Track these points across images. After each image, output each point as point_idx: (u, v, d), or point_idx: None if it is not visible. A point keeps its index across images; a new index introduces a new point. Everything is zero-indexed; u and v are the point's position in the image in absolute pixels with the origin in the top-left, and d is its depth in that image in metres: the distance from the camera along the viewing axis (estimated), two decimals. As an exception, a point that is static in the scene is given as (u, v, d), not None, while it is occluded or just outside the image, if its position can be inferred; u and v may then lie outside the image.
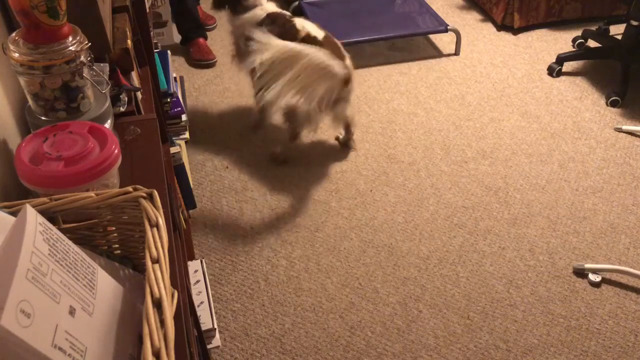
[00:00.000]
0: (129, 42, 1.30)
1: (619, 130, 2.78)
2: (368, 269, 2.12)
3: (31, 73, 0.94)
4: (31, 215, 0.58)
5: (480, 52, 3.36)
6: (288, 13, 2.52)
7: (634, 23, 2.90)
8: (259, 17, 2.48)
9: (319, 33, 2.41)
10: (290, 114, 2.46)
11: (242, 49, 2.53)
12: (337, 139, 2.70)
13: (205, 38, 3.31)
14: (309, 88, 2.20)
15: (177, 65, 3.22)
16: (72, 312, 0.58)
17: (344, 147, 2.67)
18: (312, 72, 2.18)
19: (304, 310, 1.98)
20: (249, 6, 2.51)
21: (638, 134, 2.75)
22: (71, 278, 0.60)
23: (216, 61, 3.25)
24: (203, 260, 1.94)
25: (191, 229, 2.23)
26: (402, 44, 3.42)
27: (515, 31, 3.53)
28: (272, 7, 2.54)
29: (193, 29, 3.26)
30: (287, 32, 2.40)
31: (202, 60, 3.22)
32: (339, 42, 2.46)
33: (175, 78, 2.32)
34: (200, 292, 1.83)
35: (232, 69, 3.18)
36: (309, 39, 2.35)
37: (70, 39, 0.95)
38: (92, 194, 0.74)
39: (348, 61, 2.38)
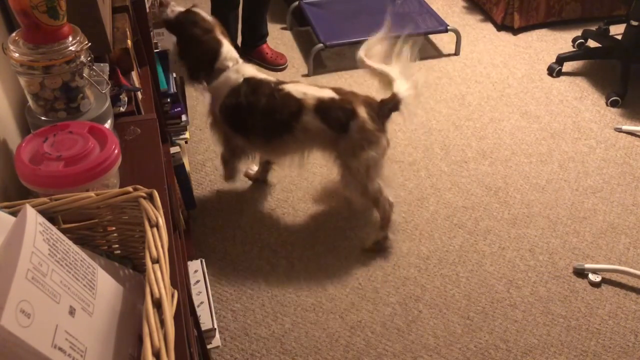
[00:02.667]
0: (129, 42, 1.30)
1: (619, 130, 2.78)
2: (368, 269, 2.12)
3: (31, 73, 0.94)
4: (31, 215, 0.58)
5: (480, 52, 3.36)
6: (273, 79, 2.08)
7: (634, 23, 2.90)
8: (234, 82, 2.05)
9: (326, 92, 2.01)
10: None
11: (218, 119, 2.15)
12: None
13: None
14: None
15: (178, 65, 3.22)
16: (72, 312, 0.58)
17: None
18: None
19: (304, 310, 1.98)
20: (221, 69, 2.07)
21: (638, 134, 2.75)
22: (71, 278, 0.60)
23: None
24: (203, 260, 1.94)
25: (191, 229, 2.23)
26: (402, 44, 3.42)
27: (515, 31, 3.53)
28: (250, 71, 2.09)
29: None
30: (281, 104, 1.98)
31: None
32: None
33: (175, 78, 2.32)
34: (200, 292, 1.83)
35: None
36: (324, 105, 1.97)
37: (70, 39, 0.95)
38: (92, 194, 0.74)
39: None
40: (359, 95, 2.03)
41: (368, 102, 2.01)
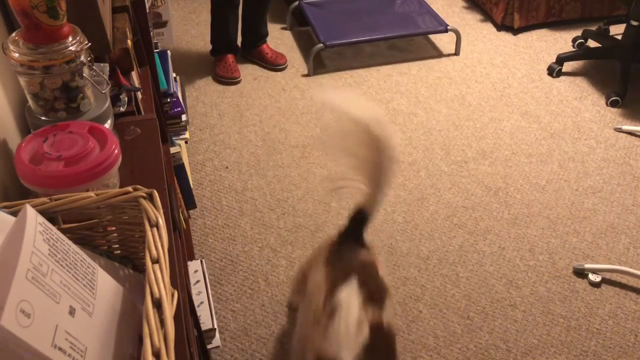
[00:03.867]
0: (129, 42, 1.30)
1: (619, 130, 2.78)
2: (368, 269, 2.12)
3: (31, 73, 0.94)
4: (31, 215, 0.58)
5: (480, 52, 3.36)
6: None
7: (634, 23, 2.90)
8: None
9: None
10: None
11: None
12: None
13: (235, 54, 3.18)
14: None
15: (178, 65, 3.22)
16: (72, 312, 0.58)
17: None
18: None
19: (304, 310, 1.98)
20: None
21: (638, 134, 2.75)
22: (71, 278, 0.60)
23: (240, 80, 3.11)
24: (203, 260, 1.94)
25: (191, 229, 2.23)
26: (402, 44, 3.42)
27: (515, 31, 3.53)
28: None
29: (226, 43, 3.14)
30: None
31: (226, 78, 3.09)
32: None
33: (175, 78, 2.32)
34: (200, 292, 1.83)
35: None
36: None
37: (70, 39, 0.95)
38: (92, 194, 0.74)
39: None
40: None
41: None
